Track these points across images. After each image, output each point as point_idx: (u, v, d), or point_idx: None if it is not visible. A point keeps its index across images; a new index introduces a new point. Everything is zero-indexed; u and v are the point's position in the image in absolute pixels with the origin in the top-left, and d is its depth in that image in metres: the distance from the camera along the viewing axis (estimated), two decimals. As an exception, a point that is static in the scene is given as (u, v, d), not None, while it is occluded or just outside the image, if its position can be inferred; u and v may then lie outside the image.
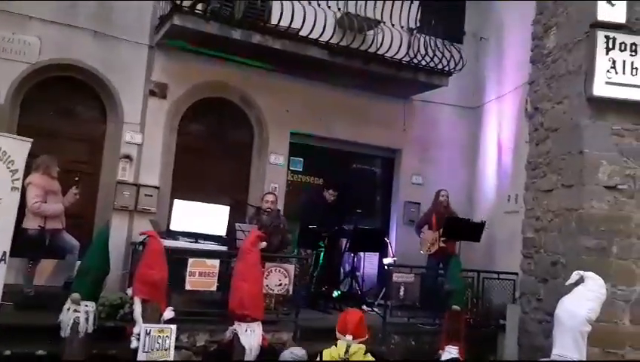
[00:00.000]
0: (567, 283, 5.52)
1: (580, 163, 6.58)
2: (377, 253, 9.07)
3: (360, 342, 4.44)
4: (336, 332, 4.53)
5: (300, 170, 9.39)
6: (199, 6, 7.42)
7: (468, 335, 6.68)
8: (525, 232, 7.56)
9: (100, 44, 7.72)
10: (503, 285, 8.02)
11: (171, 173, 8.11)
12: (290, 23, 7.65)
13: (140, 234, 6.16)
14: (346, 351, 4.30)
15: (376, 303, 8.25)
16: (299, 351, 5.86)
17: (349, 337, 4.39)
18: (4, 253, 4.89)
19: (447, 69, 8.80)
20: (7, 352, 5.36)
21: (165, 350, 5.38)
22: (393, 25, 8.33)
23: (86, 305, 5.52)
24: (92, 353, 5.64)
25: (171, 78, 8.10)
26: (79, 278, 5.73)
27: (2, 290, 5.07)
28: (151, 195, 7.81)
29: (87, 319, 5.49)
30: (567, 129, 6.87)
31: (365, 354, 4.40)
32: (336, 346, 4.40)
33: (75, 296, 5.51)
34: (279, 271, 6.67)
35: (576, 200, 6.60)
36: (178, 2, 7.22)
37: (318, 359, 4.45)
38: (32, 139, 5.04)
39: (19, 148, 4.87)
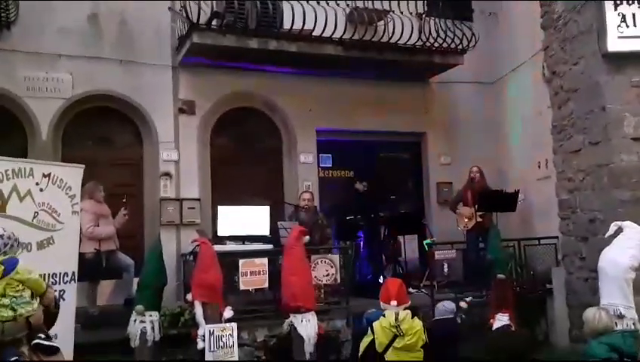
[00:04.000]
0: (607, 235, 5.63)
1: (604, 119, 6.70)
2: (416, 236, 9.26)
3: (405, 308, 4.65)
4: (381, 304, 4.73)
5: (330, 165, 9.61)
6: (214, 22, 7.74)
7: (516, 302, 6.79)
8: (559, 195, 7.68)
9: (127, 71, 8.10)
10: (545, 250, 8.12)
11: (209, 183, 8.44)
12: (303, 25, 7.91)
13: (192, 242, 6.49)
14: (396, 319, 4.51)
15: (422, 284, 8.42)
16: (449, 304, 6.08)
17: (394, 303, 4.60)
18: (73, 273, 5.25)
19: (460, 47, 8.95)
20: (84, 369, 5.71)
21: (230, 347, 5.70)
22: (402, 12, 8.52)
23: (150, 315, 5.91)
24: (162, 360, 6.00)
25: (197, 94, 8.44)
26: (140, 292, 6.11)
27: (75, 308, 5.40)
28: (193, 207, 8.15)
29: (152, 328, 5.88)
30: (587, 88, 6.99)
31: (412, 318, 4.61)
32: (384, 316, 4.60)
33: (140, 307, 5.89)
34: (325, 262, 6.93)
35: (604, 155, 6.71)
36: (195, 21, 7.53)
37: (370, 332, 4.65)
38: (83, 166, 5.40)
39: (73, 174, 5.22)
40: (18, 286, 3.61)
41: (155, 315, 5.94)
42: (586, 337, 4.67)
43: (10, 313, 3.53)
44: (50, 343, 3.66)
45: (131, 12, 8.15)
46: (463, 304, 6.28)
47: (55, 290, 4.23)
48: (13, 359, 3.45)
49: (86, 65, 7.87)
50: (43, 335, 3.67)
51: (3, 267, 3.57)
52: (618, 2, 6.59)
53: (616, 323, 4.99)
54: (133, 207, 7.57)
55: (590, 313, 4.53)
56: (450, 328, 5.75)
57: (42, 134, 7.62)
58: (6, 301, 3.53)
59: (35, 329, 3.66)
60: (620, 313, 5.15)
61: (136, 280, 6.65)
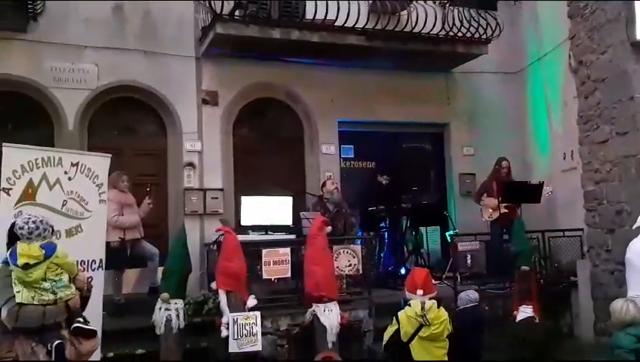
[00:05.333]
0: (634, 226, 5.53)
1: (632, 109, 6.58)
2: (438, 228, 9.22)
3: (431, 298, 4.63)
4: (406, 293, 4.72)
5: (352, 156, 9.60)
6: (237, 12, 7.75)
7: (540, 295, 6.71)
8: (585, 186, 7.56)
9: (151, 62, 8.17)
10: (570, 242, 8.03)
11: (232, 174, 8.49)
12: (326, 15, 7.87)
13: (216, 231, 6.54)
14: (422, 308, 4.49)
15: (444, 276, 8.36)
16: (472, 294, 6.04)
17: (420, 292, 4.58)
18: (101, 260, 5.34)
19: (484, 37, 8.85)
20: (110, 354, 5.80)
21: (253, 336, 5.74)
22: (425, 1, 8.45)
23: (175, 303, 5.99)
24: (186, 347, 6.07)
25: (220, 85, 8.47)
26: (165, 280, 6.20)
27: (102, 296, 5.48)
28: (217, 197, 8.21)
29: (177, 316, 5.96)
30: (615, 77, 6.86)
31: (438, 308, 4.59)
32: (409, 306, 4.59)
33: (165, 295, 5.97)
34: (347, 252, 6.93)
35: (633, 146, 6.60)
36: (218, 12, 7.55)
37: (394, 321, 4.65)
38: (110, 155, 5.48)
39: (100, 163, 5.30)
40: (57, 269, 3.67)
41: (179, 303, 6.03)
42: (612, 329, 4.62)
43: (51, 296, 3.59)
44: (89, 327, 3.72)
45: (155, 3, 8.21)
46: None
47: (89, 276, 4.26)
48: (57, 342, 3.50)
49: (111, 56, 7.96)
50: (82, 319, 3.73)
51: (44, 251, 3.63)
52: (647, -11, 6.45)
53: (643, 315, 4.94)
54: (157, 197, 7.68)
55: (618, 305, 4.49)
56: (475, 316, 5.74)
57: (69, 124, 7.74)
58: (47, 285, 3.58)
59: (73, 312, 3.72)
60: (648, 305, 5.08)
61: (160, 268, 6.75)
